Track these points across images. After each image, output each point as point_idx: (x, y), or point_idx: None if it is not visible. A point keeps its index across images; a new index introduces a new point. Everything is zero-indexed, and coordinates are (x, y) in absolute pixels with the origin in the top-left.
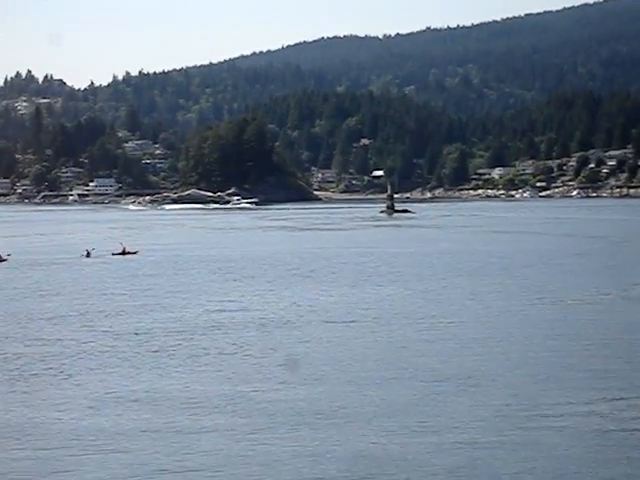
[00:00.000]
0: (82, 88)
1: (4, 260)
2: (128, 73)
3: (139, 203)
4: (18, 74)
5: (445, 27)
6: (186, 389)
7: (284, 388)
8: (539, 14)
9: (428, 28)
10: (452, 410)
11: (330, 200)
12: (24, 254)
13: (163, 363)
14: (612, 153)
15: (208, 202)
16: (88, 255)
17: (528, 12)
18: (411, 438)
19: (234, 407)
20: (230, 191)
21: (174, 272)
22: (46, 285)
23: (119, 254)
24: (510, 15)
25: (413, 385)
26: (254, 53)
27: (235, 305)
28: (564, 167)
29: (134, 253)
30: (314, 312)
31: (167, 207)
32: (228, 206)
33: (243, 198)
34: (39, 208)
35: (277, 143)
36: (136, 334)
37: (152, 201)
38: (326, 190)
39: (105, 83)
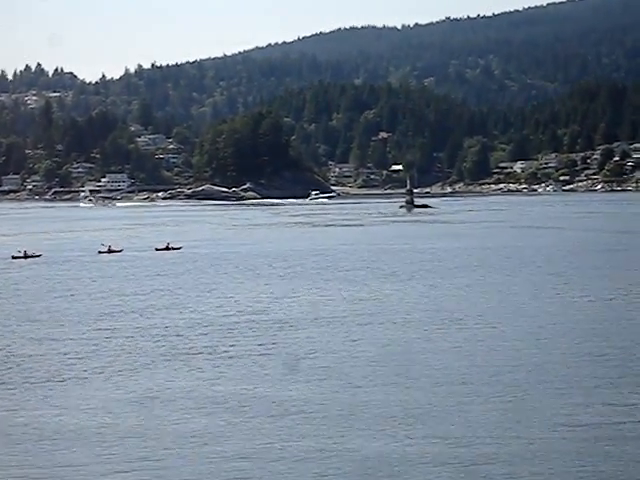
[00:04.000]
0: (93, 81)
1: (38, 256)
2: (140, 66)
3: (90, 200)
4: (27, 67)
5: (465, 17)
6: (219, 389)
7: (321, 388)
8: (562, 3)
9: (448, 18)
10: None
11: (348, 195)
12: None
13: (207, 363)
14: (637, 145)
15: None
16: (109, 251)
17: (550, 1)
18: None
19: (263, 407)
20: (245, 186)
21: (207, 268)
22: (89, 281)
23: (163, 249)
24: (532, 4)
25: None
26: (269, 45)
27: (270, 305)
28: (588, 160)
29: (178, 249)
30: (345, 312)
31: (118, 204)
32: (307, 200)
33: (322, 193)
34: (31, 205)
35: (293, 137)
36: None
37: (103, 198)
38: (344, 185)
39: (117, 76)
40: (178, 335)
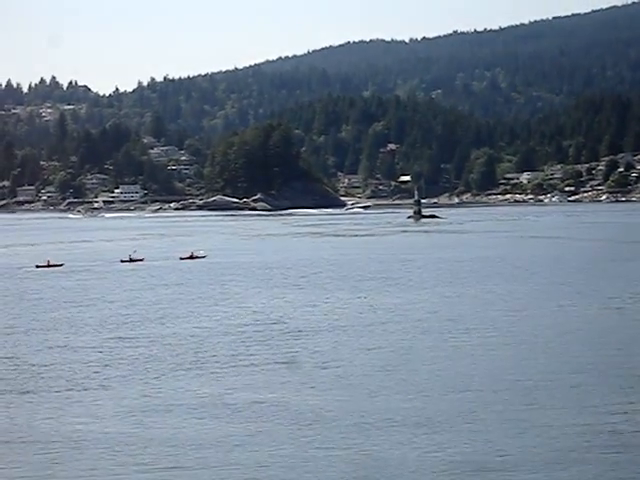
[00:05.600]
0: (107, 94)
1: (59, 265)
2: (153, 79)
3: (78, 212)
4: (42, 80)
5: (472, 30)
6: (234, 396)
7: (338, 396)
8: (567, 17)
9: (455, 32)
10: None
11: (381, 206)
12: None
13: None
14: None
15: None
16: (131, 260)
17: (556, 15)
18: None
19: (284, 415)
20: (256, 197)
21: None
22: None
23: (187, 258)
24: (538, 18)
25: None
26: (280, 58)
27: (289, 314)
28: (593, 171)
29: (202, 257)
30: (360, 320)
31: (107, 215)
32: (342, 210)
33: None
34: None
35: (303, 148)
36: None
37: (91, 209)
38: (352, 196)
39: (130, 89)
40: (201, 343)
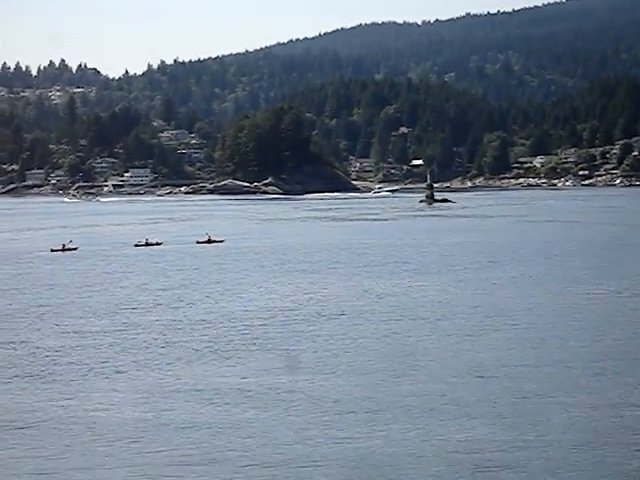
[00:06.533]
0: (116, 77)
1: (74, 249)
2: (163, 62)
3: (73, 196)
4: (51, 63)
5: (485, 13)
6: (241, 381)
7: (350, 382)
8: None
9: (468, 14)
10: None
11: (369, 190)
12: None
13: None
14: None
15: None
16: (147, 244)
17: None
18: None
19: (302, 401)
20: (267, 181)
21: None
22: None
23: (204, 242)
24: (552, 0)
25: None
26: (291, 40)
27: (305, 299)
28: (607, 155)
29: (221, 242)
30: (377, 306)
31: (102, 199)
32: (370, 194)
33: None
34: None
35: (314, 132)
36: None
37: (86, 193)
38: (364, 180)
39: (140, 72)
40: (218, 328)
